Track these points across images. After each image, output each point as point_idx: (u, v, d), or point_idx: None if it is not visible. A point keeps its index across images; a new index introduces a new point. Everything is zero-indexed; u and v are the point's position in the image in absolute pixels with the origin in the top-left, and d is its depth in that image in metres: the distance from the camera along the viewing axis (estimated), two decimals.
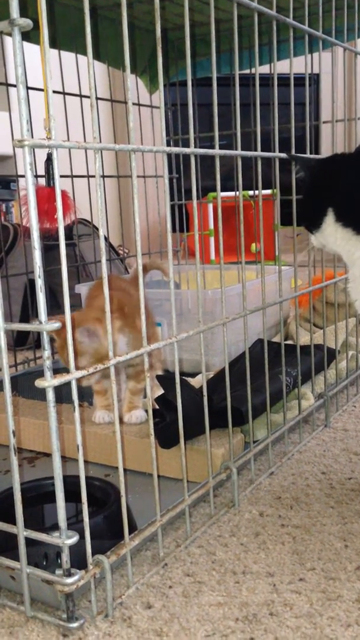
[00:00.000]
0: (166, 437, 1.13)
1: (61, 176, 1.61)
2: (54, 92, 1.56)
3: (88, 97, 0.78)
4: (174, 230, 2.29)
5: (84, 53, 0.69)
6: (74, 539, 0.75)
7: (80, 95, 1.74)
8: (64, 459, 1.21)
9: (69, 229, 2.26)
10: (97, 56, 1.83)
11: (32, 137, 0.67)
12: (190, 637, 0.75)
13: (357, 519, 0.99)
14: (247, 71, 1.74)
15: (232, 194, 1.85)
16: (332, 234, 1.03)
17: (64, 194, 1.44)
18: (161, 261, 1.59)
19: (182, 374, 1.39)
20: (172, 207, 2.22)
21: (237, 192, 1.07)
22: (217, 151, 0.99)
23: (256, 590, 0.84)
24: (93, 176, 1.82)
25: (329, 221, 1.02)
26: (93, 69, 0.75)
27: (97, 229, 1.92)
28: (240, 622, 0.78)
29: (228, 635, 0.75)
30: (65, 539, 0.75)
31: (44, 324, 0.70)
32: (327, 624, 0.76)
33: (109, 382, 0.84)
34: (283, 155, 1.16)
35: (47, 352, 0.71)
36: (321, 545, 0.93)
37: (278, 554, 0.91)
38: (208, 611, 0.80)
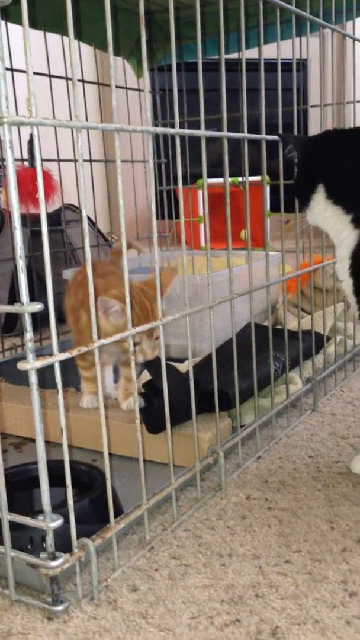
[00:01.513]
0: (154, 422, 1.12)
1: (48, 160, 1.59)
2: (40, 74, 1.54)
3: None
4: (163, 216, 2.27)
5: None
6: (59, 522, 0.75)
7: (67, 78, 1.72)
8: (50, 444, 1.21)
9: (56, 215, 2.24)
10: (84, 38, 1.80)
11: (17, 114, 0.65)
12: (176, 619, 0.75)
13: (344, 502, 1.00)
14: (235, 56, 1.72)
15: (222, 180, 1.84)
16: (321, 212, 1.01)
17: (47, 174, 1.42)
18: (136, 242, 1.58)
19: (170, 359, 1.38)
20: (161, 193, 2.21)
21: (224, 176, 1.06)
22: (202, 132, 0.97)
23: (242, 572, 0.84)
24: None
25: (319, 198, 1.00)
26: (78, 47, 0.74)
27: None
28: (226, 603, 0.77)
29: (213, 617, 0.75)
30: (50, 522, 0.74)
31: (26, 305, 0.69)
32: (312, 605, 0.76)
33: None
34: (271, 137, 1.15)
35: (29, 334, 0.70)
36: (307, 527, 0.93)
37: (264, 537, 0.91)
38: (194, 593, 0.80)
